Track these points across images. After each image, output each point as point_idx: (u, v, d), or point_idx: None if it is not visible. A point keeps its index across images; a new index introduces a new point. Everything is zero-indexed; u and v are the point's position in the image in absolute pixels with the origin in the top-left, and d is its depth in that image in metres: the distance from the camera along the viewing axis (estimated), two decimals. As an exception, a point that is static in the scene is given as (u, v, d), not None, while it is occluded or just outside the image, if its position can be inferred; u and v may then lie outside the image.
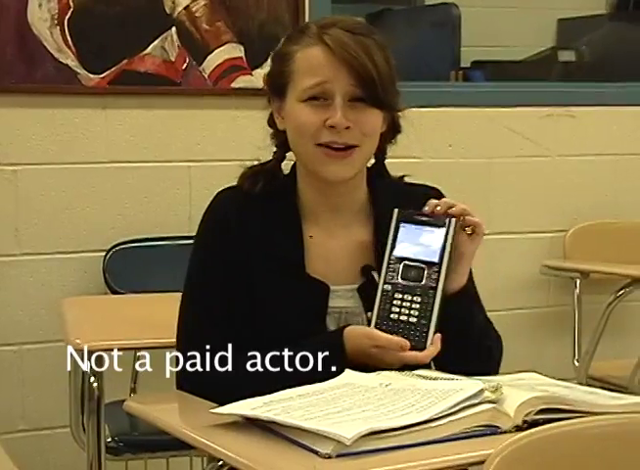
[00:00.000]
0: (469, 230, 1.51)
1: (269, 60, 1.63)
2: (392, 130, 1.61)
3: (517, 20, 4.08)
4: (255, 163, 1.63)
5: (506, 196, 3.04)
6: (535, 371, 1.50)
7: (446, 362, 1.49)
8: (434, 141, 2.95)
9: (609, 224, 3.12)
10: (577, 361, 2.88)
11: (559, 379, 1.45)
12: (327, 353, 1.47)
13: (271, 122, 1.62)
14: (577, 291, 2.94)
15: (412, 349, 1.46)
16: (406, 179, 1.68)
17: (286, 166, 1.65)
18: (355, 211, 1.61)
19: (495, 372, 1.59)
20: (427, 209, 1.52)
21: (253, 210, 1.58)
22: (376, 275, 1.55)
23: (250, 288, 1.55)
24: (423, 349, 1.46)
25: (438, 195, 1.61)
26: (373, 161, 1.64)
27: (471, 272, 1.57)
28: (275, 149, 1.64)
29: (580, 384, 2.64)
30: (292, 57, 1.54)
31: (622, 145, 3.18)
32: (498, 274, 2.99)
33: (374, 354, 1.46)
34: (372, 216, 1.61)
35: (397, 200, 1.59)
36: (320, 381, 1.38)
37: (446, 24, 3.47)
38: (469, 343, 1.54)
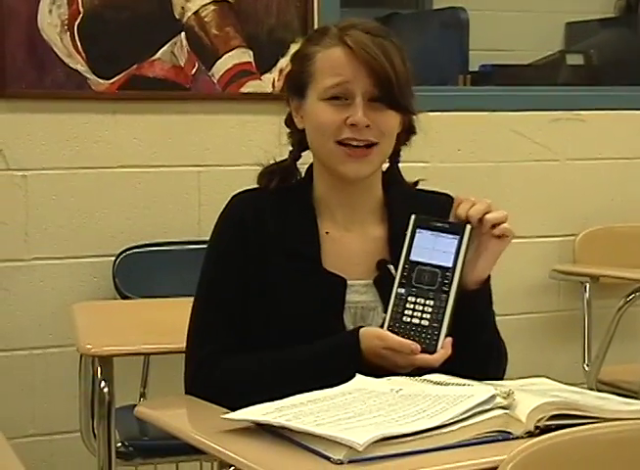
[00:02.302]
0: (497, 232, 1.51)
1: (289, 62, 1.66)
2: (407, 132, 1.64)
3: (525, 23, 4.08)
4: (272, 161, 1.66)
5: (515, 200, 3.03)
6: (545, 376, 1.50)
7: (462, 361, 1.50)
8: (442, 145, 2.95)
9: (618, 228, 3.11)
10: (587, 366, 2.87)
11: (568, 384, 1.45)
12: (343, 353, 1.48)
13: (289, 122, 1.65)
14: (587, 295, 2.93)
15: (423, 351, 1.47)
16: (419, 185, 1.69)
17: (301, 167, 1.66)
18: (370, 210, 1.63)
19: (503, 373, 1.60)
20: (457, 210, 1.51)
21: (269, 208, 1.60)
22: (392, 268, 1.57)
23: (266, 285, 1.56)
24: (434, 352, 1.47)
25: (451, 203, 1.61)
26: (387, 164, 1.66)
27: (489, 279, 1.57)
28: (291, 148, 1.66)
29: (590, 389, 2.66)
30: (312, 57, 1.57)
31: (632, 149, 3.18)
32: (508, 279, 2.99)
33: (385, 356, 1.47)
34: (386, 216, 1.63)
35: (411, 205, 1.60)
36: (335, 380, 1.38)
37: (454, 28, 3.47)
38: (484, 338, 1.55)
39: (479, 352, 1.55)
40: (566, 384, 1.45)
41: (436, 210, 1.57)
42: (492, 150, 3.03)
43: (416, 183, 1.69)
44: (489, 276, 1.56)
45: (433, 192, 1.68)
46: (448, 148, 2.97)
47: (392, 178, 1.66)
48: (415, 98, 1.59)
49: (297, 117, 1.62)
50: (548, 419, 1.27)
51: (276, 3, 2.73)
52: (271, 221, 1.58)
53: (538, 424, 1.26)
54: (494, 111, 3.03)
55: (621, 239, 3.10)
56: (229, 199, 1.63)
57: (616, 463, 1.18)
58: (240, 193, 1.64)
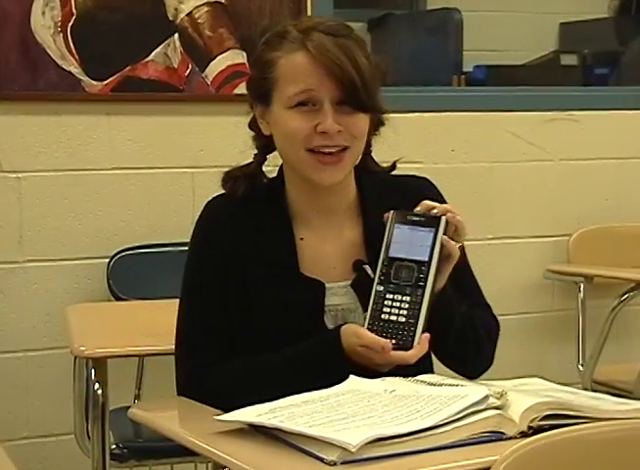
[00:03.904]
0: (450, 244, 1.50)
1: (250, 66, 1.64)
2: (376, 124, 1.62)
3: (519, 24, 4.09)
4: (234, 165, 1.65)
5: (509, 200, 3.03)
6: (539, 376, 1.50)
7: (438, 354, 1.54)
8: (436, 146, 2.95)
9: (612, 228, 3.12)
10: (582, 366, 2.87)
11: (563, 383, 1.45)
12: (325, 351, 1.49)
13: (253, 126, 1.64)
14: (581, 295, 2.93)
15: (400, 348, 1.47)
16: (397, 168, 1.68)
17: (267, 169, 1.65)
18: (345, 211, 1.62)
19: (488, 362, 1.60)
20: (419, 209, 1.52)
21: (244, 215, 1.59)
22: (368, 269, 1.56)
23: (245, 293, 1.56)
24: (410, 348, 1.47)
25: (429, 186, 1.64)
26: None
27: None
28: (256, 151, 1.65)
29: (585, 389, 2.66)
30: (275, 63, 1.54)
31: (626, 149, 3.18)
32: (502, 279, 2.99)
33: (362, 354, 1.47)
34: (361, 213, 1.62)
35: (386, 194, 1.60)
36: (320, 379, 1.38)
37: (448, 29, 3.47)
38: (452, 336, 1.55)
39: (450, 348, 1.56)
40: (560, 384, 1.46)
41: (413, 195, 1.56)
42: (486, 150, 3.03)
43: (393, 166, 1.68)
44: (446, 285, 1.52)
45: (409, 176, 1.67)
46: (442, 148, 2.97)
47: (367, 168, 1.64)
48: (381, 93, 1.57)
49: (263, 122, 1.60)
50: (541, 419, 1.27)
51: (269, 4, 2.73)
52: (246, 228, 1.58)
53: (531, 424, 1.26)
54: (488, 111, 3.03)
55: (616, 239, 3.10)
56: (204, 205, 1.62)
57: (609, 463, 1.18)
58: (214, 198, 1.63)
